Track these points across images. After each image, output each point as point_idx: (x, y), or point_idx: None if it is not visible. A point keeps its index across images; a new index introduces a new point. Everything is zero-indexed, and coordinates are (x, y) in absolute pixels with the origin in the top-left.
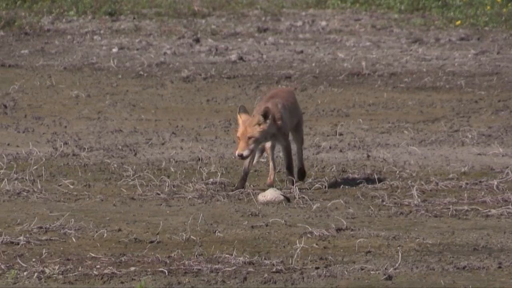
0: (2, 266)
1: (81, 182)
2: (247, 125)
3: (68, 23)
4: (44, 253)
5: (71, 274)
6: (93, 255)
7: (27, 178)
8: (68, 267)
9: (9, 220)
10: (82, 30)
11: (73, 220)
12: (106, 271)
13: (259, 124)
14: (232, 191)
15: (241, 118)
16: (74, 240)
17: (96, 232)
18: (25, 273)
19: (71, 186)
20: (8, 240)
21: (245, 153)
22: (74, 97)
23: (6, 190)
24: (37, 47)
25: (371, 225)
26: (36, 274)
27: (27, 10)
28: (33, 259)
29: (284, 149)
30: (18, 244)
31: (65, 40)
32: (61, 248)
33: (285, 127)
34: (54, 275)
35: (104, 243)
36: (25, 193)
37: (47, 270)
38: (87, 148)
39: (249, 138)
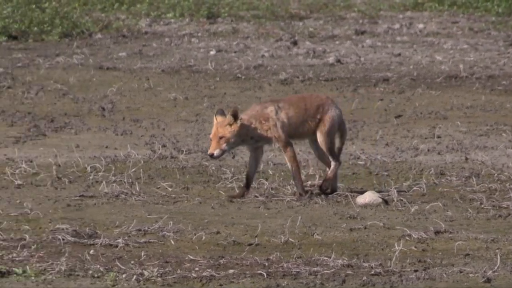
0: (101, 269)
1: (179, 185)
2: (219, 125)
3: (166, 26)
4: (143, 255)
5: (169, 277)
6: (191, 257)
7: (125, 180)
8: (167, 269)
9: (108, 222)
10: (180, 33)
11: (171, 222)
12: (204, 273)
13: (230, 125)
14: (228, 198)
15: (216, 120)
16: (172, 242)
17: (195, 234)
18: (123, 276)
19: (170, 189)
20: (107, 242)
21: (216, 152)
22: (172, 99)
23: (104, 193)
24: (135, 50)
25: (470, 228)
26: (135, 277)
27: (125, 12)
28: (132, 262)
29: (286, 158)
30: (117, 246)
31: (163, 42)
32: (160, 251)
33: (277, 131)
34: (153, 278)
35: (202, 246)
36: (124, 196)
37: (145, 273)
38: (185, 151)
39: (220, 138)
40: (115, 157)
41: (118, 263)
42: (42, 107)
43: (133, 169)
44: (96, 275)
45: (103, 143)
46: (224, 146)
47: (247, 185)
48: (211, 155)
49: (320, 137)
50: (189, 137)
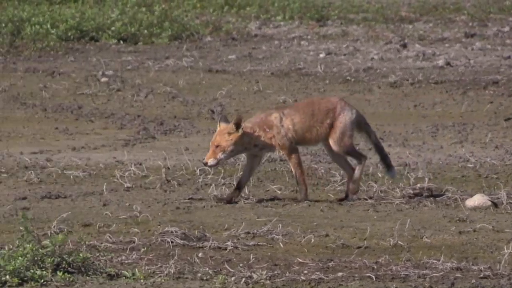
0: (210, 271)
1: (288, 188)
2: (218, 133)
3: (275, 28)
4: (252, 258)
5: (278, 280)
6: (300, 260)
7: (234, 183)
8: (276, 272)
9: (217, 225)
10: (289, 35)
11: (280, 225)
12: (313, 276)
13: (229, 133)
14: (217, 201)
15: (219, 127)
16: (281, 245)
17: (304, 237)
18: (232, 278)
19: (279, 191)
20: (216, 245)
21: (210, 162)
22: (281, 102)
23: (213, 195)
24: (244, 52)
25: None
26: (243, 280)
27: (235, 15)
28: (241, 264)
29: (291, 164)
30: (225, 249)
31: (272, 45)
32: (269, 253)
33: (281, 139)
34: (262, 281)
35: (311, 249)
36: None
37: (254, 276)
38: None
39: (216, 146)
40: None
41: (227, 266)
42: (151, 109)
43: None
44: (205, 278)
45: None
46: (219, 155)
47: (238, 189)
48: (205, 164)
49: (333, 145)
50: None
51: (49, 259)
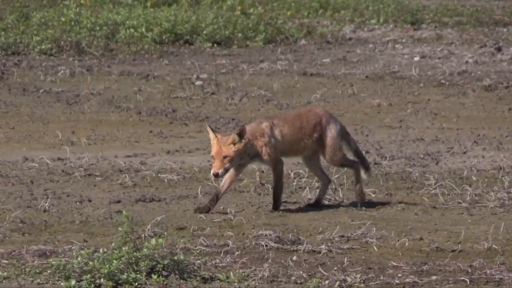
0: (304, 275)
1: (383, 191)
2: (222, 144)
3: (370, 32)
4: (346, 261)
5: (372, 283)
6: (394, 264)
7: (328, 186)
8: (370, 275)
9: (311, 228)
10: (383, 39)
11: (374, 228)
12: (407, 280)
13: (234, 144)
14: (195, 212)
15: (218, 138)
16: (375, 248)
17: (398, 240)
18: (326, 282)
19: (373, 195)
20: (310, 248)
21: (221, 172)
22: (375, 105)
23: (308, 199)
24: (339, 56)
25: None
26: (337, 283)
27: (329, 18)
28: (335, 268)
29: (274, 175)
30: (319, 252)
31: (366, 48)
32: (363, 257)
33: (271, 149)
34: (356, 284)
35: (405, 252)
36: (327, 202)
37: (348, 279)
38: (389, 157)
39: (225, 157)
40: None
41: (321, 269)
42: (245, 113)
43: (337, 175)
44: (299, 281)
45: None
46: (227, 165)
47: (216, 199)
48: (216, 175)
49: (328, 161)
50: (393, 143)
51: (144, 262)
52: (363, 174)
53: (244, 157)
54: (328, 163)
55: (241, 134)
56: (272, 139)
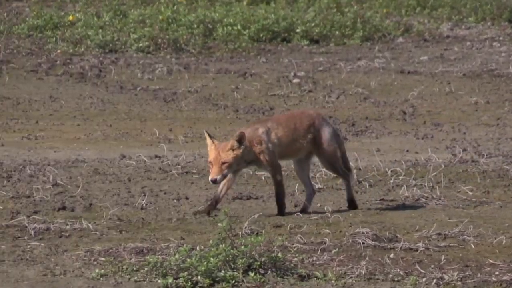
0: (401, 273)
1: (480, 189)
2: (220, 149)
3: (467, 30)
4: (443, 259)
5: (469, 281)
6: (491, 261)
7: (425, 184)
8: (467, 273)
9: (408, 226)
10: (481, 37)
11: (471, 226)
12: (504, 277)
13: (233, 150)
14: (194, 214)
15: (214, 143)
16: (472, 246)
17: (495, 238)
18: (423, 280)
19: (470, 193)
20: (407, 246)
21: (219, 178)
22: (473, 103)
23: (405, 197)
24: (436, 54)
25: None
26: (434, 281)
27: (427, 16)
28: (432, 266)
29: (274, 181)
30: (417, 250)
31: (464, 46)
32: (460, 255)
33: (269, 155)
34: (453, 282)
35: (503, 250)
36: (424, 200)
37: (445, 277)
38: (486, 155)
39: (223, 163)
40: (416, 161)
41: (418, 267)
42: (343, 111)
43: (434, 173)
44: (396, 279)
45: (404, 147)
46: (225, 171)
47: (214, 205)
48: (214, 181)
49: (322, 162)
50: (490, 141)
51: (241, 260)
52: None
53: (241, 162)
54: (323, 164)
55: (240, 140)
56: (269, 145)
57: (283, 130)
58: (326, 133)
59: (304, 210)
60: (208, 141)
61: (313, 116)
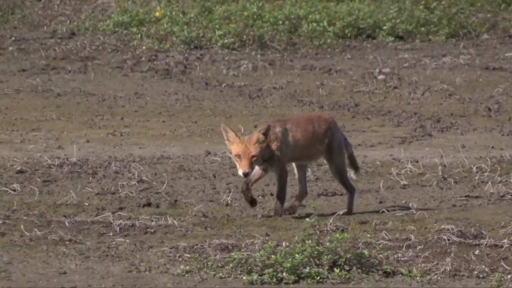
0: (486, 269)
1: None
2: (248, 143)
3: None
4: None
5: None
6: None
7: (511, 181)
8: None
9: (493, 223)
10: None
11: None
12: None
13: (259, 143)
14: (274, 214)
15: (238, 137)
16: None
17: None
18: (509, 276)
19: None
20: (492, 243)
21: (250, 172)
22: None
23: (490, 193)
24: None
25: None
26: None
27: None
28: None
29: (278, 181)
30: (502, 247)
31: None
32: None
33: (281, 154)
34: None
35: None
36: (509, 196)
37: None
38: None
39: (252, 156)
40: (501, 157)
41: (503, 264)
42: (428, 107)
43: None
44: (481, 276)
45: (489, 144)
46: (253, 165)
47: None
48: (246, 174)
49: (332, 168)
50: None
51: (326, 256)
52: (353, 174)
53: (265, 155)
54: (332, 171)
55: (266, 133)
56: (283, 145)
57: (301, 133)
58: (338, 140)
59: (292, 208)
60: (230, 134)
61: (329, 121)
